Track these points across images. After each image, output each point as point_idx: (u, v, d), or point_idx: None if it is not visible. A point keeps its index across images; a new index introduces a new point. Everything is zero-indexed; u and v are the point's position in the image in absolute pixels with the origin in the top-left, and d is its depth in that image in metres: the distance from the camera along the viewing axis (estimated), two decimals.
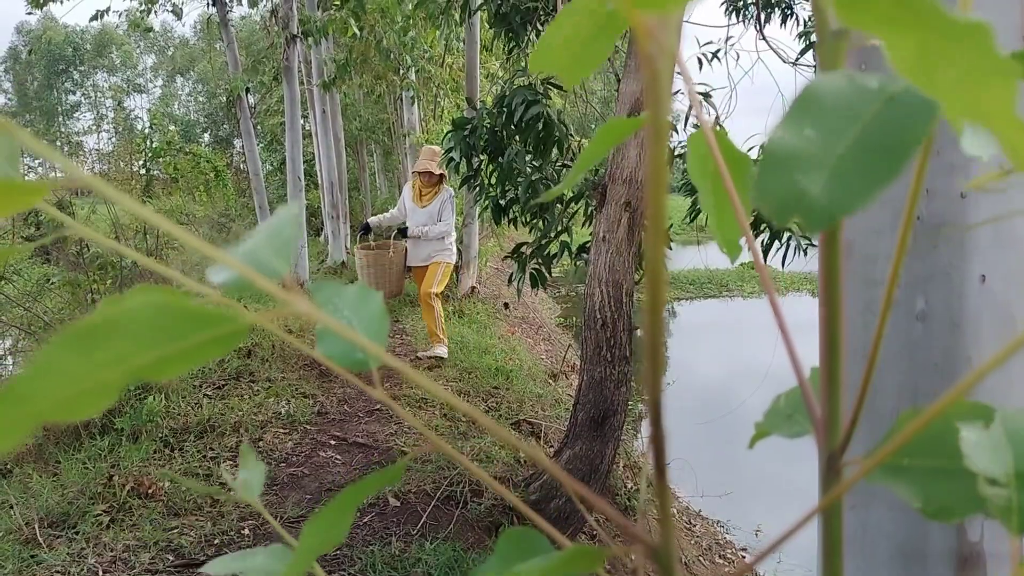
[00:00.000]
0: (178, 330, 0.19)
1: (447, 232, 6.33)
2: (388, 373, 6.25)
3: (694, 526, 5.51)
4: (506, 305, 11.01)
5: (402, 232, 6.31)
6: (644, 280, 0.24)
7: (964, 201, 0.77)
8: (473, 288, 10.41)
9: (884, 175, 0.21)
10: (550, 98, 4.70)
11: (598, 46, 0.36)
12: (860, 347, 0.78)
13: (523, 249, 4.99)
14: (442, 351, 6.54)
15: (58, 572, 3.25)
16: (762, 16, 5.66)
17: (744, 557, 5.30)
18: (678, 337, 13.58)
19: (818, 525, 0.34)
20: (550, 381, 7.33)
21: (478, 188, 5.10)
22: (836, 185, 0.21)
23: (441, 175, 6.19)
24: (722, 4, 5.81)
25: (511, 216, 5.09)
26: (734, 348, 11.64)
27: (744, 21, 5.80)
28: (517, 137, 4.71)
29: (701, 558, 4.88)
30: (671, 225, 4.83)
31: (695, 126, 4.83)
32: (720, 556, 5.14)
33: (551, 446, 5.04)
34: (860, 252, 0.78)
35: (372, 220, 6.59)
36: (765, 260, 4.59)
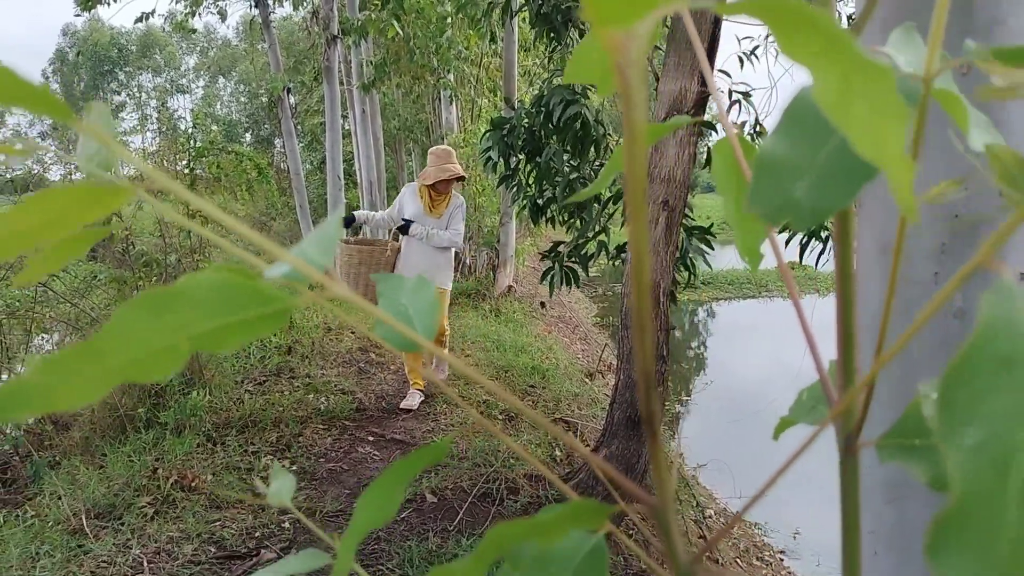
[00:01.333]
0: (237, 304, 0.21)
1: (456, 243, 5.35)
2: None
3: (732, 528, 5.48)
4: (542, 304, 11.03)
5: (402, 229, 5.26)
6: (629, 261, 0.26)
7: (1003, 200, 0.76)
8: (510, 287, 10.44)
9: (862, 176, 0.22)
10: (588, 98, 4.71)
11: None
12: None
13: (560, 248, 5.01)
14: (437, 373, 5.69)
15: (104, 562, 3.33)
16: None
17: (782, 560, 5.25)
18: (717, 338, 13.48)
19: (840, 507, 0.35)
20: (586, 380, 7.33)
21: (516, 187, 5.12)
22: (819, 188, 0.22)
23: (459, 178, 5.27)
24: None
25: (549, 215, 5.11)
26: (773, 349, 11.52)
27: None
28: (555, 137, 4.73)
29: (739, 560, 4.85)
30: (711, 224, 4.80)
31: (735, 125, 4.81)
32: (758, 558, 5.10)
33: (587, 445, 5.05)
34: (891, 250, 0.78)
35: (359, 214, 5.52)
36: (801, 260, 4.56)
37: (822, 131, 0.24)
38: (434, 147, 5.44)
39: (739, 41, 5.96)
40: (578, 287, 5.58)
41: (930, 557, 0.20)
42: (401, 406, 5.42)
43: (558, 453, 4.85)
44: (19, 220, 0.22)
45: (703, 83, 3.88)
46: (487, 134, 4.99)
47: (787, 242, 4.60)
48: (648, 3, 0.20)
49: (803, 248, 4.61)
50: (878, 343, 0.36)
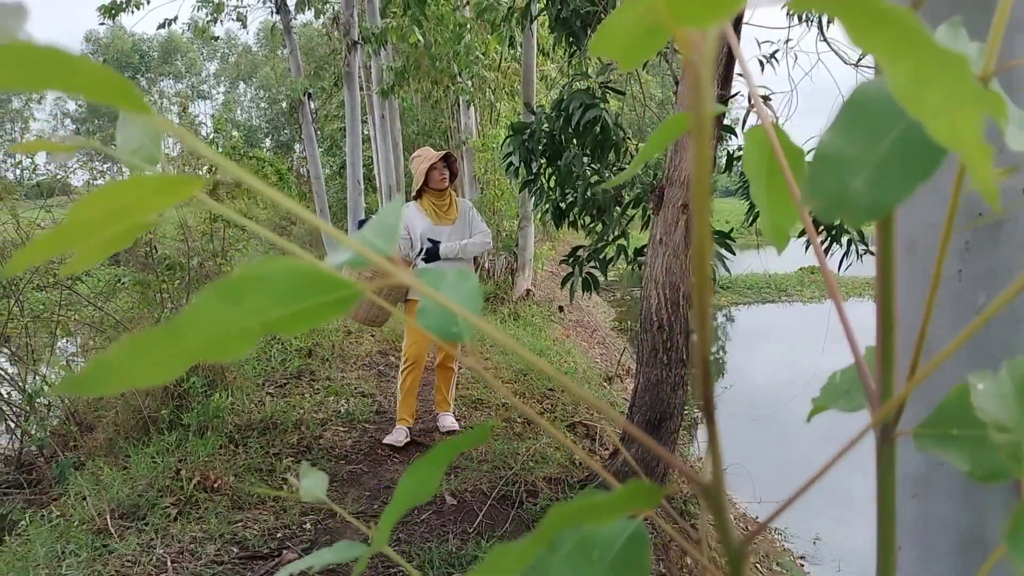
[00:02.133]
0: (305, 291, 0.23)
1: (488, 243, 4.87)
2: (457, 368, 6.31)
3: (778, 515, 5.46)
4: (561, 308, 11.03)
5: (430, 255, 4.63)
6: (692, 262, 0.27)
7: None
8: (528, 291, 10.45)
9: (920, 173, 0.23)
10: (607, 102, 4.72)
11: (654, 38, 0.39)
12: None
13: (579, 252, 5.02)
14: (453, 421, 5.15)
15: (129, 562, 3.37)
16: (824, 17, 5.59)
17: (803, 565, 5.22)
18: (736, 342, 13.43)
19: (876, 503, 0.36)
20: (605, 384, 7.32)
21: (537, 191, 5.13)
22: (877, 183, 0.23)
23: (450, 175, 4.78)
24: (783, 6, 5.74)
25: (571, 219, 5.12)
26: (792, 353, 11.46)
27: (807, 22, 5.73)
28: (575, 141, 4.74)
29: (758, 565, 4.83)
30: (731, 229, 4.79)
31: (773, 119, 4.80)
32: (777, 564, 5.08)
33: (606, 448, 5.05)
34: (923, 248, 0.78)
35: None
36: (840, 268, 4.55)
37: (881, 126, 0.24)
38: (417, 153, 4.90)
39: (759, 45, 5.95)
40: (597, 292, 5.57)
41: (1010, 545, 0.21)
42: (385, 441, 4.84)
43: (594, 464, 4.85)
44: (94, 208, 0.24)
45: (723, 86, 3.88)
46: (508, 140, 5.00)
47: (807, 247, 4.58)
48: (723, 5, 0.21)
49: (824, 252, 4.60)
50: (918, 339, 0.36)
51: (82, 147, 0.32)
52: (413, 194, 4.87)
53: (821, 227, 4.47)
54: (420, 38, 8.57)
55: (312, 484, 0.65)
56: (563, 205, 5.07)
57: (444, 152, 4.74)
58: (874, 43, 0.22)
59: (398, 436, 4.82)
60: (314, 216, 0.29)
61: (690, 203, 3.81)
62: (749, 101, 4.85)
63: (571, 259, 5.05)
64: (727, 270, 4.95)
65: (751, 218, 4.84)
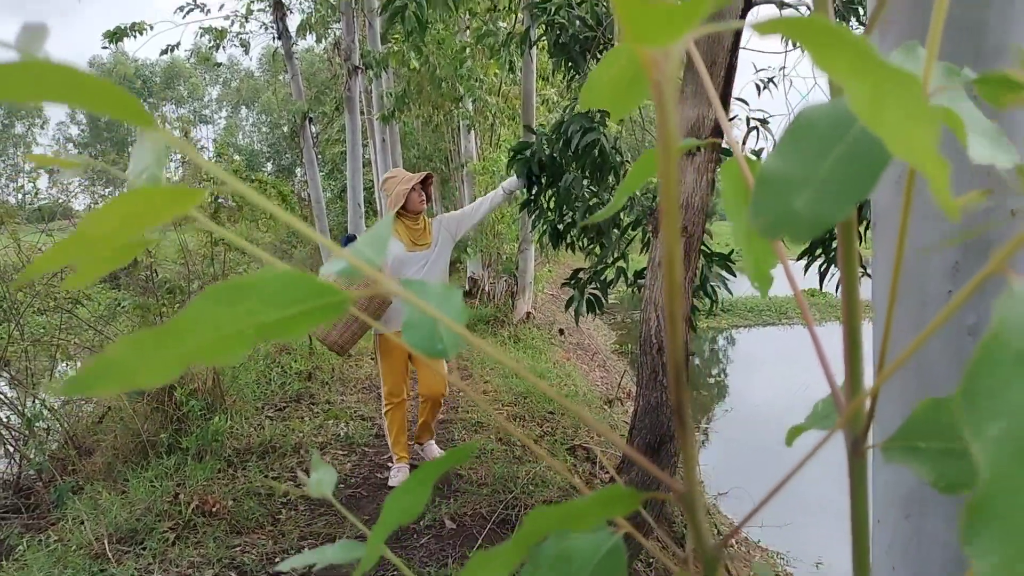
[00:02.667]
0: (297, 296, 0.24)
1: (497, 200, 4.66)
2: (444, 400, 6.30)
3: (753, 557, 5.42)
4: (561, 331, 11.02)
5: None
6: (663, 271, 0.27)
7: (1015, 219, 0.78)
8: (528, 314, 10.45)
9: (860, 191, 0.25)
10: (606, 125, 4.75)
11: (640, 84, 0.40)
12: (911, 362, 0.80)
13: (580, 275, 5.03)
14: (439, 452, 4.85)
15: None
16: None
17: None
18: (736, 365, 13.40)
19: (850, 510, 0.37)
20: (605, 407, 7.30)
21: (536, 213, 5.16)
22: (819, 200, 0.24)
23: (425, 195, 4.43)
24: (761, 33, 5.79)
25: (569, 241, 5.14)
26: (793, 377, 11.43)
27: (803, 48, 5.78)
28: (574, 163, 4.77)
29: None
30: (731, 252, 4.81)
31: (754, 152, 4.83)
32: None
33: (606, 472, 5.03)
34: (911, 271, 0.79)
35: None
36: (821, 287, 4.56)
37: (823, 148, 0.26)
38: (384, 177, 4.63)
39: (756, 70, 6.00)
40: (601, 314, 5.58)
41: (964, 542, 0.22)
42: (390, 484, 4.61)
43: (577, 481, 4.83)
44: (106, 218, 0.24)
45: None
46: (511, 162, 5.04)
47: (806, 269, 4.60)
48: (682, 24, 0.22)
49: (822, 276, 4.61)
50: (880, 354, 0.37)
51: (89, 166, 0.33)
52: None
53: (819, 250, 4.49)
54: (417, 65, 8.63)
55: (322, 478, 0.65)
56: (561, 227, 5.10)
57: (424, 174, 4.42)
58: (834, 66, 0.24)
59: (400, 476, 4.51)
60: (314, 231, 0.29)
61: (690, 226, 3.83)
62: (748, 124, 4.89)
63: (573, 281, 5.06)
64: (729, 292, 4.96)
65: None
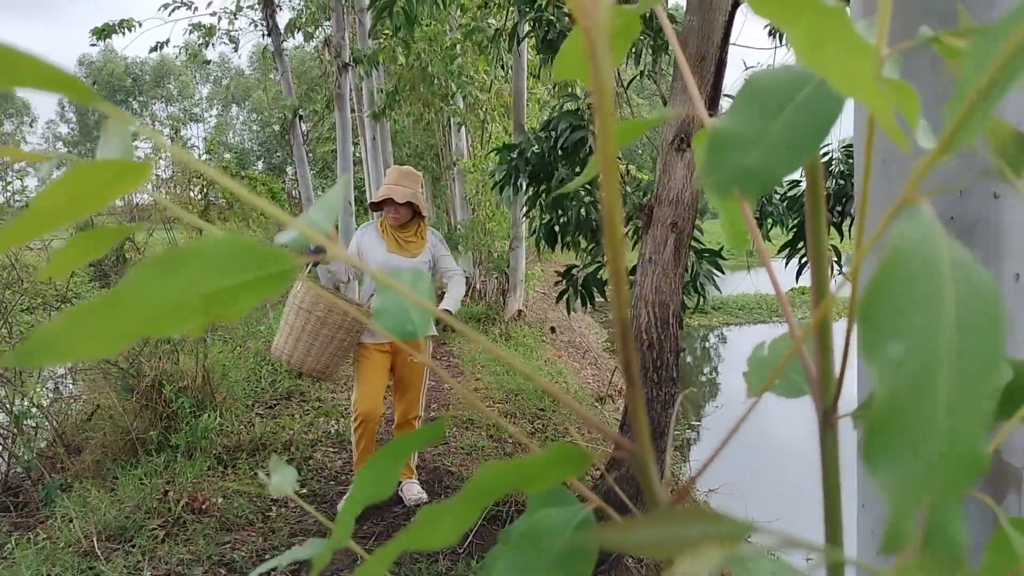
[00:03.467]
0: (243, 264, 0.23)
1: (462, 289, 4.13)
2: (434, 398, 6.30)
3: (693, 483, 5.46)
4: (552, 329, 11.03)
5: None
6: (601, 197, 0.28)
7: (998, 201, 0.79)
8: (520, 312, 10.46)
9: (807, 148, 0.25)
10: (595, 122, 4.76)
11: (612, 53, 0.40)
12: None
13: (574, 272, 5.04)
14: (419, 491, 4.34)
15: None
16: None
17: None
18: (728, 363, 13.44)
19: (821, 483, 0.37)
20: (596, 404, 7.31)
21: (529, 213, 5.16)
22: (769, 158, 0.25)
23: (417, 212, 4.07)
24: (766, 26, 5.82)
25: (565, 241, 5.14)
26: None
27: (788, 44, 5.80)
28: (563, 162, 4.77)
29: None
30: (720, 248, 4.82)
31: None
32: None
33: (596, 469, 5.03)
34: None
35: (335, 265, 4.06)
36: (796, 281, 4.58)
37: (774, 109, 0.26)
38: (394, 166, 4.21)
39: (746, 66, 6.01)
40: (594, 307, 5.58)
41: (865, 463, 0.22)
42: (411, 503, 4.26)
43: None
44: (57, 194, 0.24)
45: (711, 106, 3.92)
46: (496, 157, 5.04)
47: (786, 263, 4.61)
48: None
49: (799, 272, 4.62)
50: (847, 327, 0.37)
51: (61, 159, 0.33)
52: (371, 203, 4.29)
53: (801, 244, 4.50)
54: (404, 60, 8.61)
55: (282, 480, 0.65)
56: (557, 228, 5.10)
57: (383, 198, 3.99)
58: (771, 11, 0.24)
59: (412, 491, 4.31)
60: (293, 218, 0.29)
61: (680, 222, 3.84)
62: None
63: (566, 277, 5.07)
64: (718, 289, 4.97)
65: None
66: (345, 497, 4.52)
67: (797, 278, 4.56)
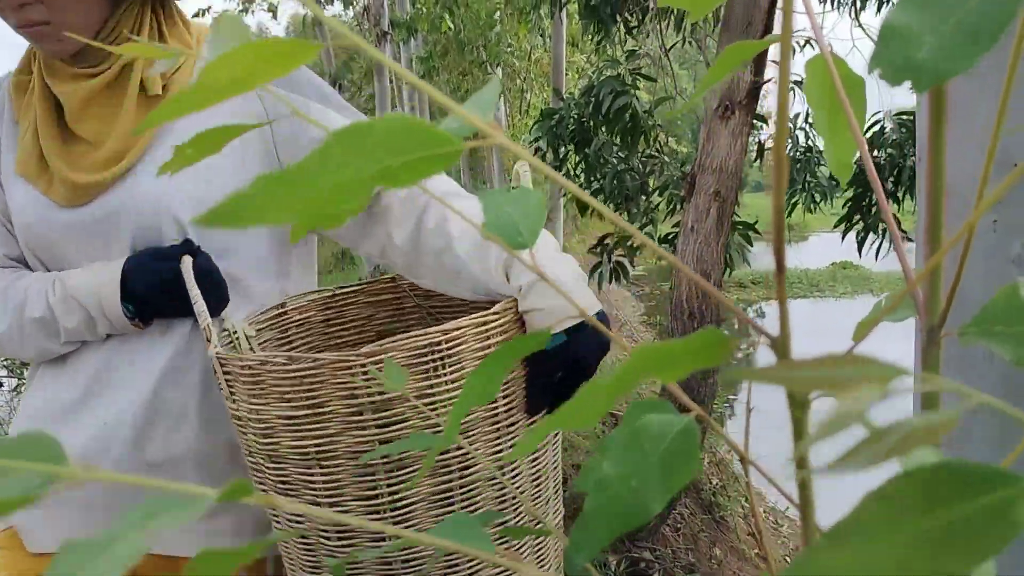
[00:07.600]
0: (415, 143, 0.25)
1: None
2: None
3: (781, 526, 5.44)
4: None
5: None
6: None
7: None
8: None
9: (981, 46, 0.25)
10: (639, 88, 4.71)
11: None
12: (955, 297, 0.79)
13: (607, 241, 5.01)
14: None
15: None
16: (858, 3, 5.53)
17: None
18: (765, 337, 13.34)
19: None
20: None
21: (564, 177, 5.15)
22: (941, 52, 0.25)
23: None
24: None
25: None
26: (822, 349, 11.36)
27: (839, 8, 5.68)
28: (604, 128, 4.73)
29: (787, 558, 4.82)
30: (756, 221, 4.76)
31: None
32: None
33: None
34: (960, 197, 0.78)
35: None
36: (860, 255, 4.49)
37: (948, 7, 0.26)
38: None
39: (793, 31, 5.91)
40: (627, 281, 5.56)
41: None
42: None
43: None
44: (231, 64, 0.25)
45: (756, 72, 3.86)
46: (536, 124, 5.02)
47: (843, 236, 4.53)
48: None
49: (860, 244, 4.52)
50: (960, 260, 0.37)
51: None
52: None
53: (857, 217, 4.41)
54: (451, 25, 8.58)
55: None
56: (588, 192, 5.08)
57: None
58: None
59: None
60: (456, 104, 0.30)
61: (723, 190, 3.80)
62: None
63: (599, 247, 5.05)
64: (747, 262, 4.89)
65: (790, 211, 4.79)
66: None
67: (860, 251, 4.47)
